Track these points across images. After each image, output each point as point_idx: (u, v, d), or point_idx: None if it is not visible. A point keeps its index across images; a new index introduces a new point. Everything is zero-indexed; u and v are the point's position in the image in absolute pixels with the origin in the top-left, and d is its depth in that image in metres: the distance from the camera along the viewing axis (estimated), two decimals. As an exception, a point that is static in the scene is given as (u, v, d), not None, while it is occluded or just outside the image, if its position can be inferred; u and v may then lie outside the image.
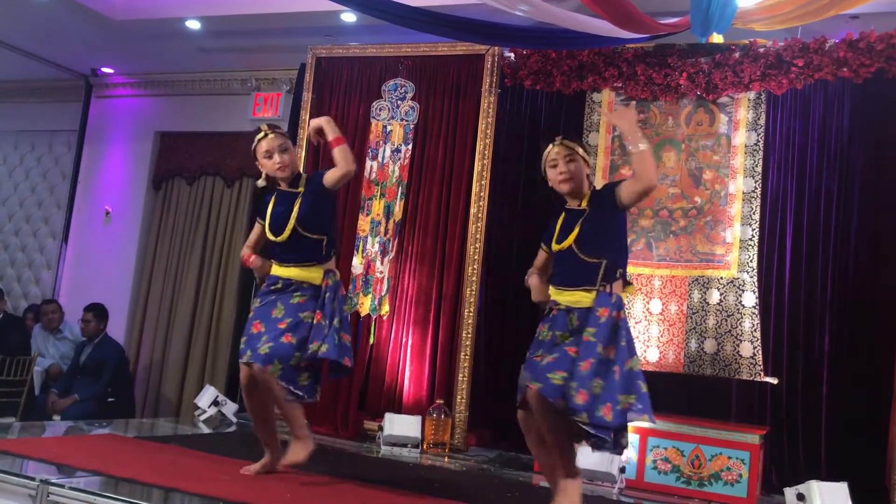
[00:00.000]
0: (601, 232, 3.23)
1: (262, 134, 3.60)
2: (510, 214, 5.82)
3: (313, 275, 3.50)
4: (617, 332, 3.10)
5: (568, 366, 3.04)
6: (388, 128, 5.87)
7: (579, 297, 3.18)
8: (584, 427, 3.02)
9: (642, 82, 5.38)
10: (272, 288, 3.53)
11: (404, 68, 5.86)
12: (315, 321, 3.39)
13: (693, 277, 5.13)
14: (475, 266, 5.50)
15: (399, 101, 5.89)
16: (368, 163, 5.85)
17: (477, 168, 5.56)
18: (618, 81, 5.46)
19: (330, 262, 3.58)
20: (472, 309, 5.43)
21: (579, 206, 3.32)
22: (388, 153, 5.73)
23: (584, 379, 3.00)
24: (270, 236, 3.55)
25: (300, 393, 3.40)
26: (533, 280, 3.40)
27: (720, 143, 5.21)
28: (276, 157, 3.56)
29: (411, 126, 5.80)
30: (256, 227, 3.68)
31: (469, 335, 5.43)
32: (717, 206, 5.17)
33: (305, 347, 3.35)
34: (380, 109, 5.96)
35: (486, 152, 5.59)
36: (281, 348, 3.34)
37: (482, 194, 5.55)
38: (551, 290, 3.31)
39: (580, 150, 3.38)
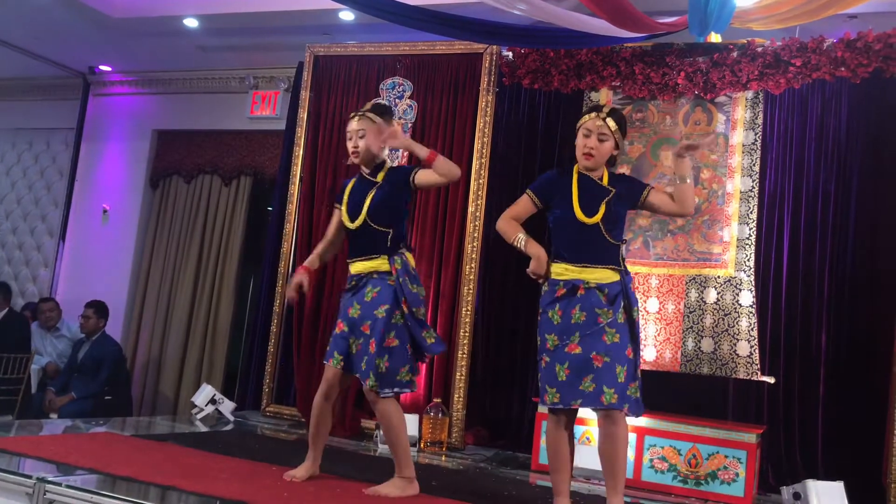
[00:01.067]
0: (622, 218, 3.30)
1: (352, 115, 3.59)
2: (508, 199, 5.72)
3: (379, 263, 3.45)
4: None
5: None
6: None
7: (608, 275, 3.21)
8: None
9: (640, 81, 5.36)
10: (349, 286, 3.52)
11: (402, 67, 5.83)
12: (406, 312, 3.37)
13: (690, 276, 5.10)
14: (473, 265, 5.47)
15: (397, 100, 5.85)
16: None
17: (475, 166, 5.54)
18: (616, 80, 5.45)
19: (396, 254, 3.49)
20: (469, 308, 5.42)
21: (601, 180, 3.32)
22: (385, 152, 5.61)
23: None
24: (347, 222, 3.52)
25: (400, 389, 3.40)
26: (538, 249, 3.30)
27: (718, 142, 5.19)
28: (352, 141, 3.54)
29: (409, 125, 5.76)
30: (335, 215, 3.63)
31: (467, 334, 5.41)
32: (714, 205, 5.15)
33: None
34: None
35: (484, 151, 5.56)
36: (371, 359, 3.33)
37: (480, 193, 5.53)
38: (568, 267, 3.24)
39: (617, 132, 3.36)
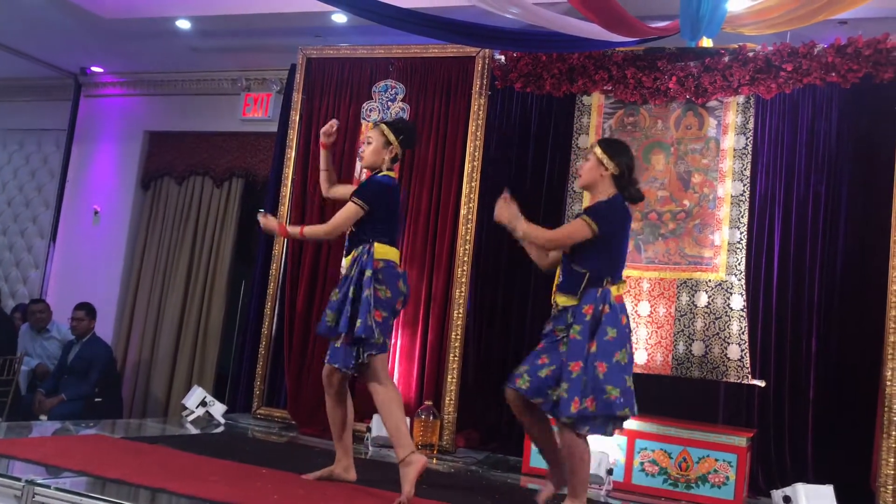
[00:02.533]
0: (581, 247, 3.50)
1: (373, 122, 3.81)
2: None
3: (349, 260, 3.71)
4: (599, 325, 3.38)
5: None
6: None
7: (567, 299, 3.47)
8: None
9: (632, 86, 5.34)
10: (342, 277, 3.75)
11: (395, 69, 5.81)
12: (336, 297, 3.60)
13: (681, 280, 5.10)
14: (465, 268, 5.46)
15: (389, 103, 5.83)
16: (358, 164, 5.79)
17: (467, 170, 5.52)
18: (607, 84, 5.42)
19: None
20: (461, 311, 5.41)
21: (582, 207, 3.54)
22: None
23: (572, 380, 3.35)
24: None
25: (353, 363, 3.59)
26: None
27: (709, 146, 5.19)
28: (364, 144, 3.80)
29: None
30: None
31: (458, 336, 5.39)
32: (705, 209, 5.15)
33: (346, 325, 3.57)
34: (370, 111, 5.91)
35: (477, 154, 5.55)
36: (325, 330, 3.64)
37: (472, 196, 5.51)
38: (555, 293, 3.58)
39: (598, 152, 3.57)
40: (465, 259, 5.50)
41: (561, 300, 3.46)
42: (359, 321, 3.47)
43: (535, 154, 5.83)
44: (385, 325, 3.59)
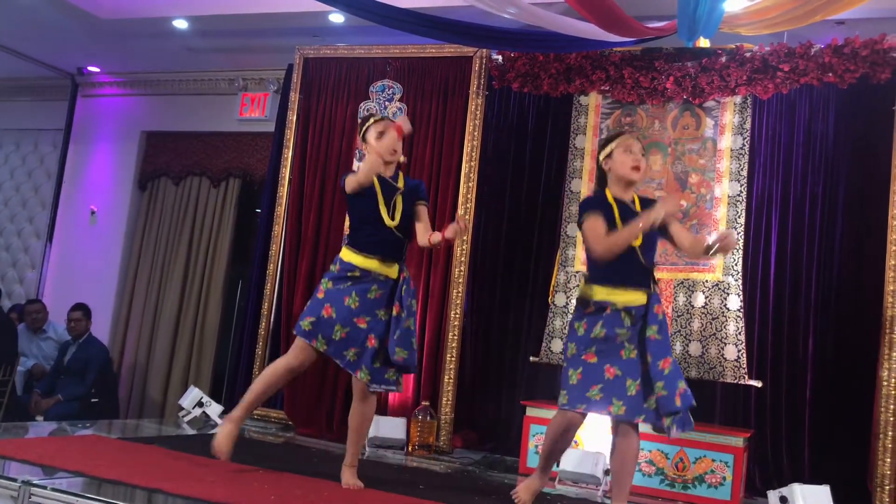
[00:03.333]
0: (654, 241, 3.46)
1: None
2: (497, 216, 5.80)
3: (391, 270, 3.54)
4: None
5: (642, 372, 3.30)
6: None
7: (635, 297, 3.33)
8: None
9: (629, 86, 5.33)
10: (348, 274, 3.52)
11: (392, 69, 5.79)
12: (395, 314, 3.47)
13: (678, 280, 5.08)
14: (462, 268, 5.44)
15: (386, 103, 5.81)
16: (356, 164, 5.77)
17: (464, 170, 5.50)
18: (605, 85, 5.41)
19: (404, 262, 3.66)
20: (458, 311, 5.40)
21: (633, 203, 3.43)
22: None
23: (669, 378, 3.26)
24: (387, 219, 3.53)
25: (388, 386, 3.53)
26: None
27: (706, 146, 5.19)
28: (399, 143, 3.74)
29: None
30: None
31: (455, 337, 5.39)
32: (702, 209, 5.13)
33: (385, 348, 3.44)
34: (367, 110, 5.87)
35: (474, 154, 5.54)
36: (366, 354, 3.45)
37: (469, 196, 5.50)
38: (599, 289, 3.37)
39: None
40: (463, 259, 5.48)
41: (623, 298, 3.33)
42: (407, 352, 3.49)
43: (532, 154, 5.82)
44: None
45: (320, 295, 3.51)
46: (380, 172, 3.51)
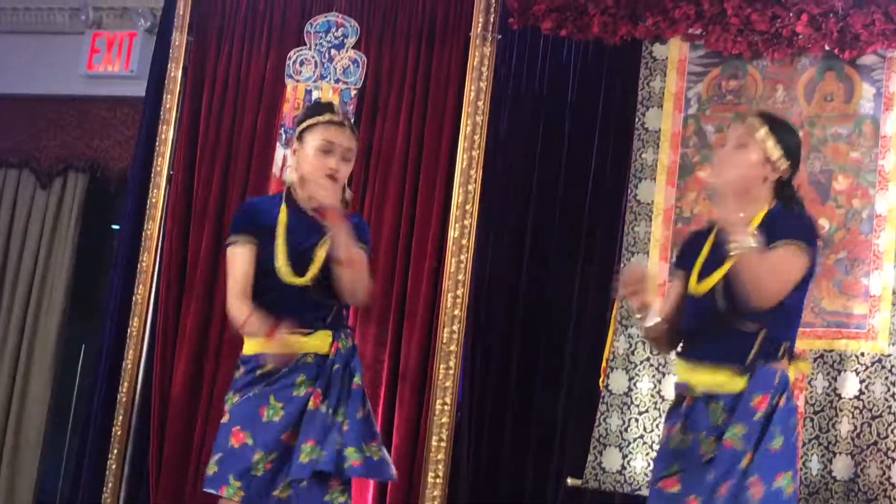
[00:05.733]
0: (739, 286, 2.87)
1: (340, 119, 3.18)
2: (515, 240, 4.81)
3: (322, 341, 3.10)
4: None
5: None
6: (315, 93, 5.04)
7: (723, 380, 2.77)
8: None
9: (735, 28, 4.44)
10: (258, 373, 3.06)
11: None
12: (313, 407, 3.07)
13: (815, 352, 4.31)
14: (455, 327, 4.49)
15: (333, 51, 4.97)
16: (280, 150, 4.89)
17: (460, 163, 4.60)
18: (695, 26, 4.50)
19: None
20: (448, 399, 4.47)
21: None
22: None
23: None
24: (288, 275, 3.06)
25: None
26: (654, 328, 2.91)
27: (862, 130, 4.38)
28: (334, 159, 3.13)
29: (353, 92, 4.95)
30: (244, 257, 3.12)
31: (442, 444, 4.47)
32: (855, 234, 4.33)
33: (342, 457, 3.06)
34: (300, 63, 5.02)
35: (478, 139, 4.61)
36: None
37: (469, 208, 4.59)
38: (679, 364, 2.94)
39: (766, 140, 2.75)
40: (457, 313, 4.51)
41: (706, 380, 2.77)
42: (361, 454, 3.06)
43: (572, 139, 4.80)
44: None
45: (225, 418, 3.07)
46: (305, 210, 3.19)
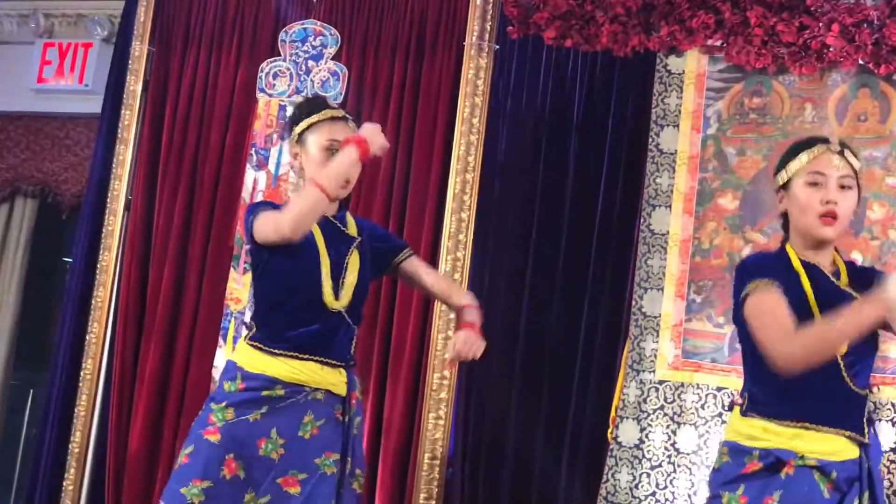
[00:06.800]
0: (871, 349, 2.48)
1: (339, 113, 2.95)
2: (513, 276, 4.57)
3: (337, 379, 2.81)
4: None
5: None
6: (290, 110, 4.70)
7: (840, 447, 2.43)
8: None
9: (759, 39, 4.27)
10: (263, 394, 2.77)
11: (321, 2, 4.80)
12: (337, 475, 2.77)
13: None
14: (447, 371, 4.29)
15: (311, 63, 4.84)
16: (251, 173, 4.73)
17: (452, 188, 4.44)
18: (715, 36, 4.32)
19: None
20: (440, 449, 4.34)
21: (835, 272, 2.52)
22: (287, 157, 4.84)
23: None
24: (330, 298, 2.77)
25: None
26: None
27: None
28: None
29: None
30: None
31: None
32: (891, 268, 4.12)
33: None
34: (274, 76, 4.88)
35: (472, 160, 4.47)
36: None
37: (462, 237, 4.43)
38: (772, 428, 2.43)
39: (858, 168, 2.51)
40: (447, 356, 4.26)
41: (817, 447, 2.38)
42: None
43: (578, 161, 4.60)
44: None
45: (212, 435, 2.68)
46: (325, 213, 2.86)
